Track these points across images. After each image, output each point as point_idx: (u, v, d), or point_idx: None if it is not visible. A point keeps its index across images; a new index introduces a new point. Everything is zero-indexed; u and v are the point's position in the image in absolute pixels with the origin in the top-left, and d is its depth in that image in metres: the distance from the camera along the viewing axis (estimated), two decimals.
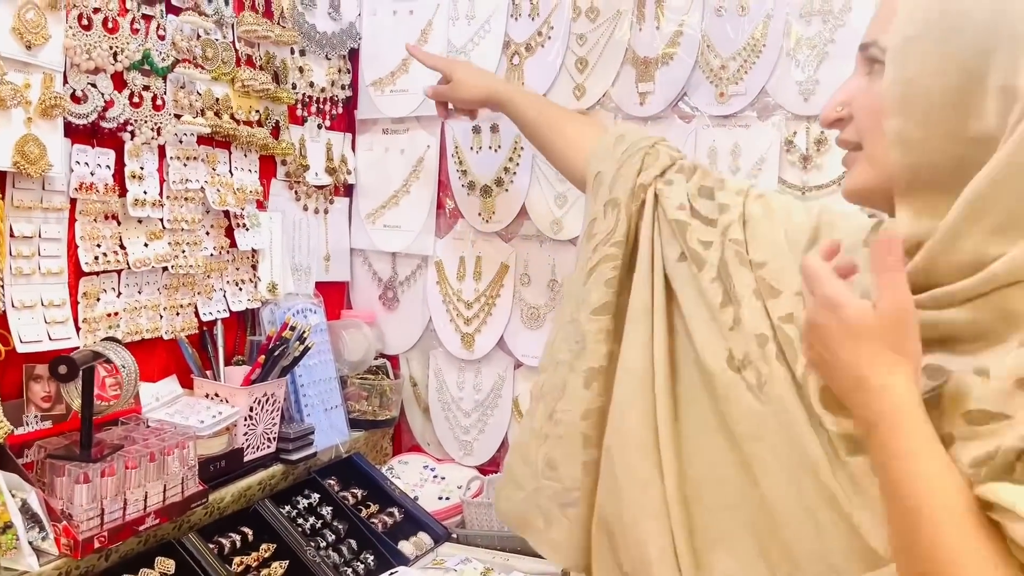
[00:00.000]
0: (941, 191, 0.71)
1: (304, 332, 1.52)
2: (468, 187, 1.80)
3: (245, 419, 1.45)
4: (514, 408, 1.79)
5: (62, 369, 1.09)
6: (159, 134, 1.37)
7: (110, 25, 1.27)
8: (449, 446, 1.88)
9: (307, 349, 1.52)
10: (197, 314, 1.51)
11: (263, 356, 1.49)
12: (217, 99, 1.49)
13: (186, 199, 1.45)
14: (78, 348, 1.23)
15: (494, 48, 1.74)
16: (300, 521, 1.50)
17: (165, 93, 1.38)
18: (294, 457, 1.55)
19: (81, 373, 1.14)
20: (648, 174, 1.10)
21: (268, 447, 1.52)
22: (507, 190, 1.76)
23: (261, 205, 1.65)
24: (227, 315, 1.57)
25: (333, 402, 1.71)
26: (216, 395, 1.46)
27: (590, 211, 1.16)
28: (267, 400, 1.50)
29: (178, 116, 1.40)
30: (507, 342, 1.79)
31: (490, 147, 1.78)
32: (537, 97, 1.44)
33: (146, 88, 1.34)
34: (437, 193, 1.85)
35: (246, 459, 1.47)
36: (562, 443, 1.10)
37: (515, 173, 1.75)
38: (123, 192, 1.33)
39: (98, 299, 1.31)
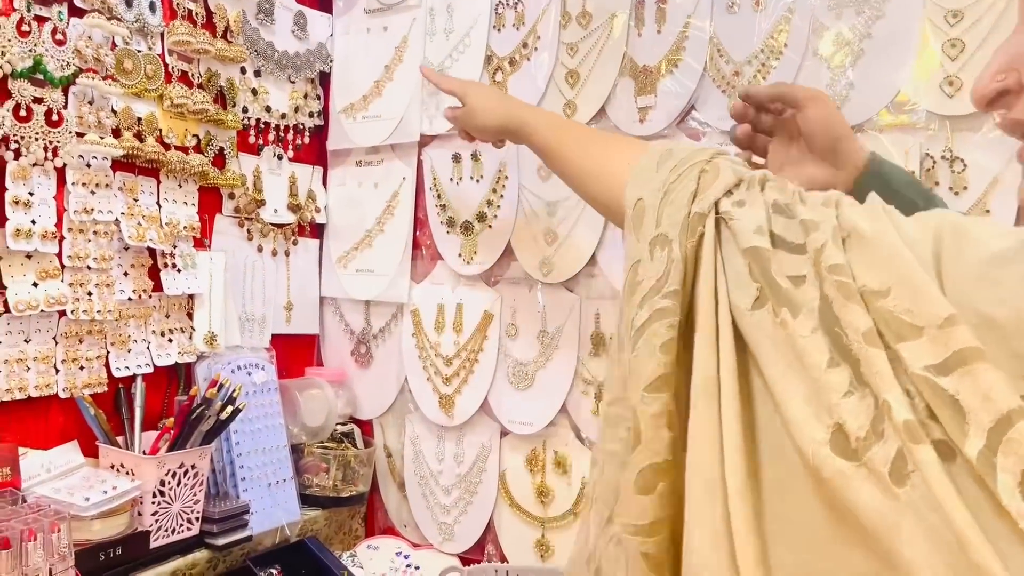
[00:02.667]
0: None
1: (234, 392, 1.27)
2: (447, 224, 1.55)
3: (154, 495, 1.20)
4: (500, 484, 1.50)
5: None
6: (55, 155, 1.16)
7: None
8: (427, 529, 1.59)
9: (236, 412, 1.27)
10: (109, 369, 1.28)
11: (181, 419, 1.24)
12: (140, 119, 1.29)
13: (95, 233, 1.23)
14: None
15: (474, 64, 1.51)
16: None
17: (64, 107, 1.18)
18: (220, 542, 1.29)
19: None
20: (706, 198, 0.78)
21: (189, 529, 1.26)
22: (491, 226, 1.51)
23: (200, 243, 1.42)
24: (151, 370, 1.33)
25: (281, 475, 1.45)
26: (122, 466, 1.22)
27: (632, 252, 0.84)
28: (185, 473, 1.24)
29: (81, 135, 1.20)
30: (491, 405, 1.51)
31: (471, 177, 1.53)
32: (562, 120, 1.13)
33: (38, 100, 1.14)
34: (414, 232, 1.60)
35: (155, 544, 1.21)
36: (620, 566, 0.79)
37: (499, 207, 1.50)
38: (4, 221, 1.12)
39: None
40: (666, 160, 0.84)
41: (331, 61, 1.66)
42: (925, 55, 1.16)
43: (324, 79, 1.68)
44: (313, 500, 1.53)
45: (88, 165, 1.22)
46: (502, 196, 1.49)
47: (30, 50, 1.12)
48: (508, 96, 1.30)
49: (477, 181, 1.52)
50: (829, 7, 1.22)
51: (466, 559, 1.54)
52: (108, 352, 1.27)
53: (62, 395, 1.21)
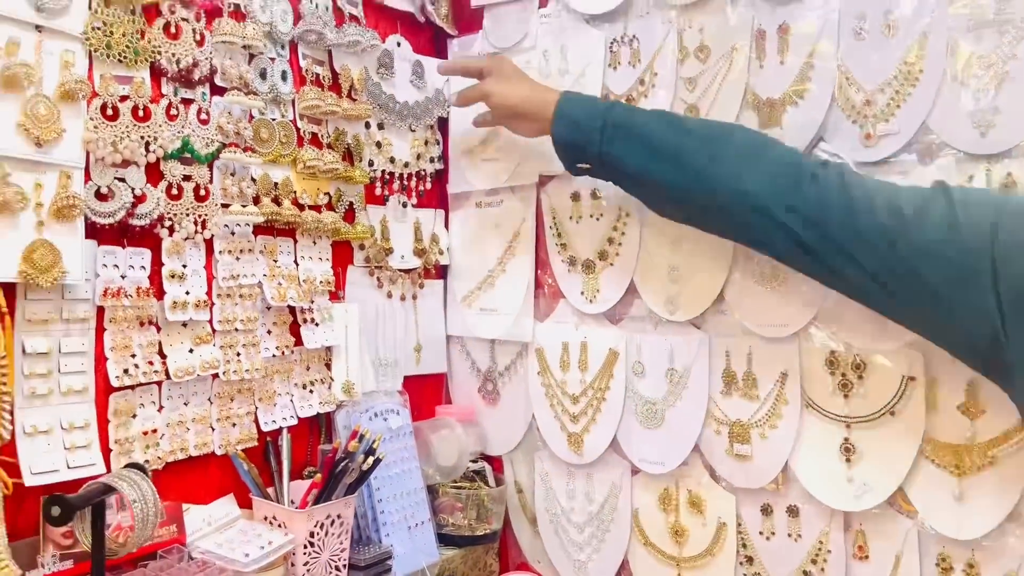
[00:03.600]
0: None
1: (374, 443, 1.32)
2: (569, 262, 1.56)
3: (305, 547, 1.26)
4: (634, 523, 1.50)
5: (55, 511, 0.93)
6: (204, 227, 1.23)
7: (141, 113, 1.15)
8: (561, 566, 1.60)
9: (377, 462, 1.32)
10: (258, 424, 1.34)
11: (327, 472, 1.30)
12: (276, 184, 1.35)
13: (241, 296, 1.30)
14: (100, 476, 1.08)
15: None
16: None
17: (210, 182, 1.25)
18: None
19: (90, 510, 0.98)
20: None
21: None
22: (612, 264, 1.50)
23: (335, 296, 1.48)
24: (295, 422, 1.40)
25: (419, 517, 1.49)
26: (275, 518, 1.28)
27: None
28: (332, 523, 1.30)
29: (226, 206, 1.27)
30: (621, 443, 1.51)
31: (591, 216, 1.53)
32: None
33: (187, 178, 1.21)
34: (535, 271, 1.62)
35: None
36: None
37: (620, 244, 1.49)
38: (162, 295, 1.20)
39: (134, 416, 1.17)
40: None
41: (448, 106, 1.69)
42: None
43: (442, 124, 1.71)
44: (449, 539, 1.56)
45: (232, 233, 1.29)
46: (623, 233, 1.49)
47: (178, 132, 1.19)
48: None
49: (597, 219, 1.52)
50: (968, 28, 1.16)
51: None
52: (256, 408, 1.34)
53: (218, 452, 1.28)
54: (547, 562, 1.63)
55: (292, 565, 1.26)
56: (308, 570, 1.26)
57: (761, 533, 1.36)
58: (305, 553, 1.26)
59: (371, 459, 1.31)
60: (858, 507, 1.25)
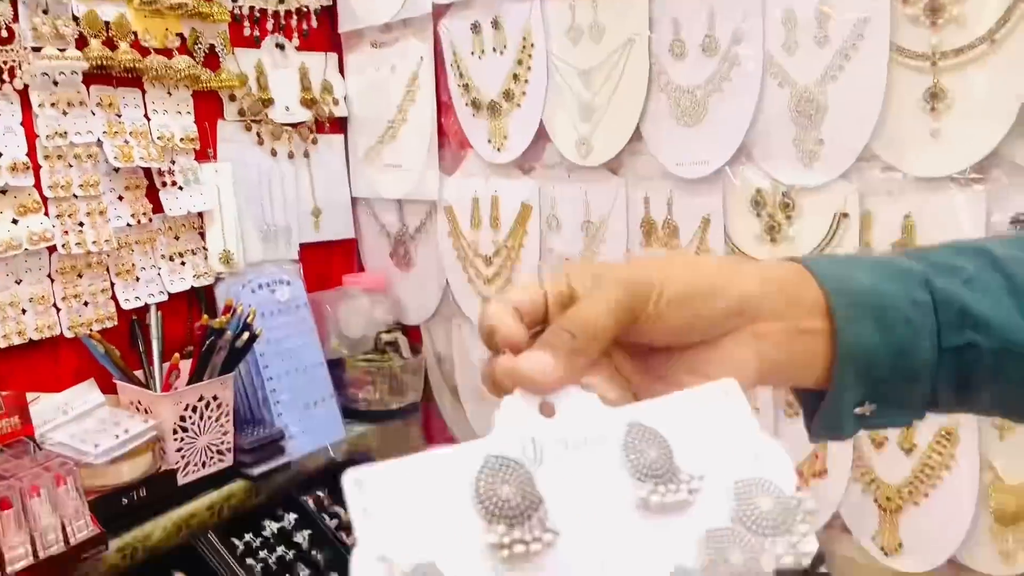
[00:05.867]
0: None
1: (248, 317, 1.18)
2: (472, 106, 1.37)
3: (176, 432, 1.14)
4: None
5: None
6: (12, 76, 1.04)
7: None
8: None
9: (253, 338, 1.18)
10: (117, 302, 1.20)
11: (197, 351, 1.16)
12: (107, 23, 1.15)
13: (75, 157, 1.12)
14: None
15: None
16: (264, 554, 1.19)
17: (15, 20, 1.05)
18: (256, 472, 1.23)
19: None
20: None
21: (221, 461, 1.21)
22: (519, 105, 1.32)
23: (203, 155, 1.30)
24: (165, 298, 1.25)
25: (319, 394, 1.37)
26: (140, 404, 1.16)
27: None
28: (207, 405, 1.17)
29: (38, 49, 1.07)
30: None
31: (494, 49, 1.33)
32: None
33: None
34: (438, 118, 1.43)
35: (184, 481, 1.16)
36: None
37: (527, 81, 1.30)
38: None
39: None
40: None
41: None
42: None
43: None
44: (360, 415, 1.45)
45: (55, 83, 1.10)
46: (529, 68, 1.29)
47: None
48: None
49: (500, 53, 1.32)
50: None
51: None
52: (113, 284, 1.19)
53: (67, 335, 1.14)
54: (471, 435, 1.52)
55: (164, 452, 1.14)
56: (183, 456, 1.15)
57: None
58: (177, 439, 1.14)
59: (245, 335, 1.17)
60: None
